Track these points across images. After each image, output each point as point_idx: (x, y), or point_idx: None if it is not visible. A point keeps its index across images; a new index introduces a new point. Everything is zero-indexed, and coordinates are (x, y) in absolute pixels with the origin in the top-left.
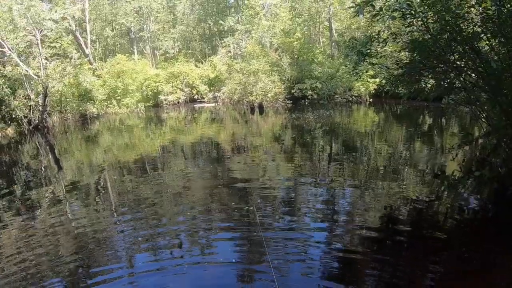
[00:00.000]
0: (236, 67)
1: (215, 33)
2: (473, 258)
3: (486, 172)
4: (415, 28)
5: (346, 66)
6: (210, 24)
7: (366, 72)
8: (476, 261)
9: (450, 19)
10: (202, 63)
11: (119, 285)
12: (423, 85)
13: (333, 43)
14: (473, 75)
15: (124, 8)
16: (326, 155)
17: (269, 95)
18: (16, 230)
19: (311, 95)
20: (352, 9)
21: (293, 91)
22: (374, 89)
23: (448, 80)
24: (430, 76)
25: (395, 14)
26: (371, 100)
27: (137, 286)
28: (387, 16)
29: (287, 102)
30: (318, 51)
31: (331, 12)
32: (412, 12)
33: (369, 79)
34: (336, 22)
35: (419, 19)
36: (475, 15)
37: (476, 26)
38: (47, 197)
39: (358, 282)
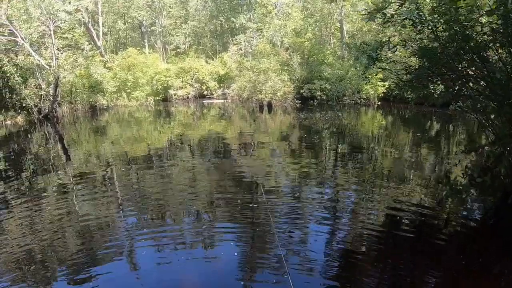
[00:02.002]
0: (247, 64)
1: (226, 30)
2: (474, 262)
3: (488, 179)
4: (424, 35)
5: (355, 68)
6: (221, 21)
7: (376, 75)
8: (476, 264)
9: (458, 29)
10: (213, 60)
11: (122, 274)
12: (432, 91)
13: (344, 45)
14: (481, 83)
15: (137, 1)
16: (332, 156)
17: (278, 94)
18: (22, 217)
19: (320, 95)
20: (364, 16)
21: (302, 91)
22: (383, 92)
23: (457, 88)
24: (438, 83)
25: (406, 22)
26: (379, 103)
27: (141, 278)
28: (398, 24)
29: (296, 101)
30: (328, 52)
31: (343, 14)
32: (422, 20)
33: (378, 82)
34: (348, 23)
35: (429, 27)
36: (484, 26)
37: (486, 36)
38: (53, 185)
39: (359, 282)
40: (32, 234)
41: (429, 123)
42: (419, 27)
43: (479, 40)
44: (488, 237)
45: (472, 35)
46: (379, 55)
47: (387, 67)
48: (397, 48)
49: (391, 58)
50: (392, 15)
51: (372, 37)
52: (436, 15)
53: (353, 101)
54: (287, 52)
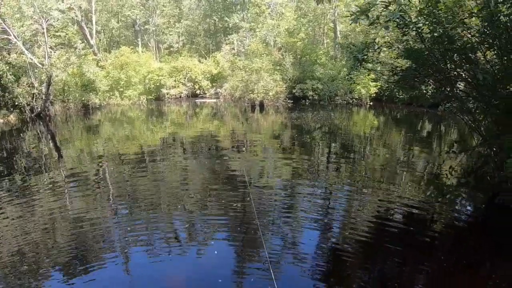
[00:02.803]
0: (239, 64)
1: (219, 29)
2: (462, 261)
3: (471, 180)
4: (410, 37)
5: (347, 69)
6: (215, 20)
7: (368, 75)
8: (465, 263)
9: (442, 31)
10: (206, 59)
11: (113, 272)
12: (424, 91)
13: (337, 45)
14: (471, 83)
15: (131, 0)
16: (323, 156)
17: (270, 93)
18: (13, 216)
19: (312, 95)
20: (348, 17)
21: (294, 90)
22: (375, 92)
23: (443, 89)
24: (425, 84)
25: (390, 24)
26: (371, 103)
27: (132, 274)
28: (381, 26)
29: (288, 101)
30: (321, 52)
31: (336, 14)
32: (406, 22)
33: (370, 83)
34: (341, 24)
35: (413, 29)
36: (468, 28)
37: (474, 37)
38: (45, 184)
39: (346, 278)
40: (24, 233)
41: (420, 123)
42: (404, 29)
43: (465, 42)
44: (476, 236)
45: (456, 36)
46: (366, 56)
47: (373, 69)
48: (381, 49)
49: (378, 59)
50: (378, 17)
51: (365, 38)
52: (421, 17)
53: (345, 101)
54: (280, 52)
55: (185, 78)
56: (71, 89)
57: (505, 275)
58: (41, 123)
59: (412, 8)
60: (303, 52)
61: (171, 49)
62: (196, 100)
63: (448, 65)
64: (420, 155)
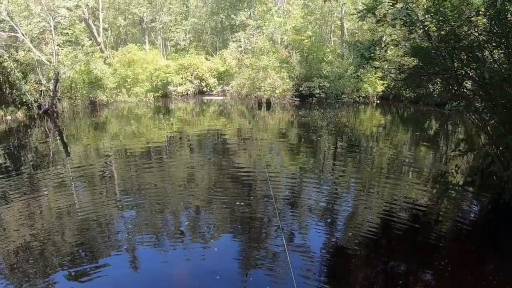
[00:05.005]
0: (246, 62)
1: (226, 27)
2: (466, 259)
3: (477, 179)
4: (417, 35)
5: (354, 67)
6: (222, 18)
7: (375, 73)
8: (469, 261)
9: (448, 29)
10: (213, 56)
11: (120, 268)
12: (431, 90)
13: (344, 43)
14: (475, 83)
15: None
16: (330, 154)
17: (277, 91)
18: (21, 211)
19: (319, 93)
20: (354, 15)
21: (301, 88)
22: (382, 91)
23: (450, 87)
24: (432, 82)
25: (396, 22)
26: (378, 101)
27: (138, 267)
28: (388, 24)
29: (295, 99)
30: (328, 50)
31: (343, 12)
32: (413, 20)
33: (377, 81)
34: (348, 22)
35: (420, 27)
36: (475, 26)
37: (481, 36)
38: (53, 180)
39: (353, 278)
40: (31, 228)
41: (428, 122)
42: (410, 27)
43: (472, 40)
44: (481, 235)
45: (462, 34)
46: (373, 54)
47: (380, 66)
48: (388, 47)
49: (385, 57)
50: (385, 15)
51: (372, 36)
52: (428, 15)
53: (352, 99)
54: (287, 50)
55: (192, 76)
56: (78, 86)
57: (510, 275)
58: (49, 119)
59: (419, 6)
60: (310, 50)
61: (178, 46)
62: (203, 98)
63: (455, 63)
64: (426, 153)
